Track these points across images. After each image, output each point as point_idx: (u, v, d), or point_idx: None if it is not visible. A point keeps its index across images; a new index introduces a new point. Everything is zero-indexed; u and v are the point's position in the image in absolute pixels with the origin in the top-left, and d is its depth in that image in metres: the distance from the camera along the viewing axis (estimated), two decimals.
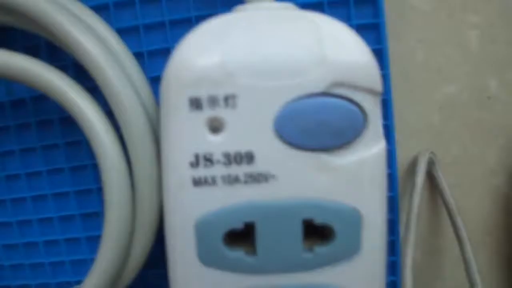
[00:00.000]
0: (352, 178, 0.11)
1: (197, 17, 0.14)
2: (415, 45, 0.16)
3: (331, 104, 0.10)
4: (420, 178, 0.15)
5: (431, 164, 0.16)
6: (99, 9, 0.14)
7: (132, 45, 0.14)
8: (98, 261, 0.12)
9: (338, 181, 0.11)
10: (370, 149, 0.11)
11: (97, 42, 0.12)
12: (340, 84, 0.10)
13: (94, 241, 0.15)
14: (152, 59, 0.14)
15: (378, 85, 0.11)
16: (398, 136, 0.15)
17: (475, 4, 0.16)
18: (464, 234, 0.15)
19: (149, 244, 0.12)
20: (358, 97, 0.10)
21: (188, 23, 0.14)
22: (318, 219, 0.11)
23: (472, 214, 0.17)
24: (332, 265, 0.11)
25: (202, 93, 0.10)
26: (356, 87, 0.10)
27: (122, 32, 0.14)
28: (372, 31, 0.14)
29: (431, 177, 0.16)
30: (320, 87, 0.10)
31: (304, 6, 0.13)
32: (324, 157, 0.11)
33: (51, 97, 0.12)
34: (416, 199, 0.15)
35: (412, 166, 0.16)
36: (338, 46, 0.10)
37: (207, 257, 0.11)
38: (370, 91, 0.11)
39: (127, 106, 0.12)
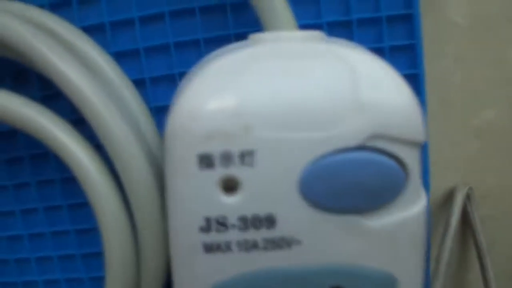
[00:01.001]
0: (388, 242, 0.09)
1: (205, 40, 0.12)
2: (452, 65, 0.14)
3: (367, 160, 0.09)
4: (455, 217, 0.13)
5: (466, 199, 0.14)
6: (94, 30, 0.12)
7: (131, 72, 0.12)
8: None
9: (372, 245, 0.09)
10: (410, 209, 0.09)
11: (85, 70, 0.10)
12: (379, 137, 0.09)
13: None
14: (155, 87, 0.12)
15: (421, 135, 0.09)
16: (432, 166, 0.14)
17: None
18: (491, 275, 0.14)
19: None
20: (398, 150, 0.09)
21: (195, 46, 0.12)
22: (349, 286, 0.09)
23: (504, 249, 0.15)
24: None
25: (214, 149, 0.09)
26: (396, 139, 0.09)
27: (120, 57, 0.12)
28: (406, 53, 0.12)
29: (465, 212, 0.14)
30: (355, 140, 0.09)
31: (331, 25, 0.12)
32: (356, 220, 0.09)
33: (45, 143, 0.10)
34: (449, 240, 0.13)
35: (448, 199, 0.14)
36: (377, 91, 0.09)
37: None
38: (412, 143, 0.09)
39: (125, 152, 0.10)
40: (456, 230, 0.15)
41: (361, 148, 0.09)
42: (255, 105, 0.09)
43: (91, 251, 0.13)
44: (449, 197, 0.14)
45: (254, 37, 0.10)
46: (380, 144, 0.09)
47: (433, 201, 0.14)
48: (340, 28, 0.12)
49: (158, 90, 0.12)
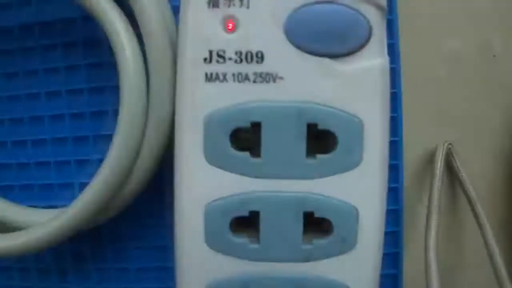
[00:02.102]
0: (355, 86, 0.11)
1: None
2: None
3: (339, 11, 0.11)
4: (439, 166, 0.15)
5: (449, 155, 0.16)
6: None
7: None
8: (110, 154, 0.12)
9: (342, 87, 0.11)
10: (373, 61, 0.11)
11: None
12: None
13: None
14: None
15: (383, 0, 0.11)
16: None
17: None
18: (485, 220, 0.15)
19: (161, 145, 0.13)
20: (364, 8, 0.11)
21: None
22: (322, 124, 0.11)
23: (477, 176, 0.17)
24: (334, 174, 0.12)
25: None
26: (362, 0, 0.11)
27: None
28: None
29: (450, 168, 0.16)
30: None
31: None
32: (329, 63, 0.11)
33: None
34: (436, 185, 0.15)
35: (431, 156, 0.16)
36: None
37: (213, 156, 0.12)
38: (375, 5, 0.11)
39: (151, 16, 0.12)
40: (445, 187, 0.17)
41: (334, 1, 0.11)
42: None
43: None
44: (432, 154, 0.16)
45: None
46: (349, 1, 0.11)
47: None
48: None
49: None
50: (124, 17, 0.13)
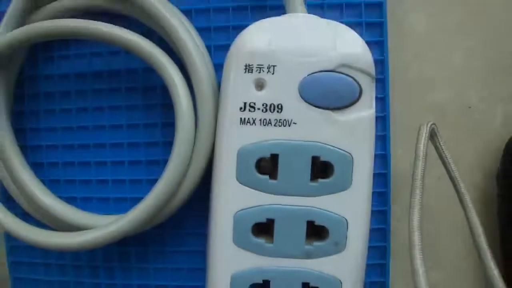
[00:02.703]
0: (348, 131, 0.16)
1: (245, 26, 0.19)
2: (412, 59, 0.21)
3: (337, 77, 0.15)
4: (423, 144, 0.17)
5: (433, 135, 0.18)
6: (184, 12, 0.20)
7: (204, 40, 0.19)
8: (164, 176, 0.17)
9: (338, 131, 0.16)
10: (362, 113, 0.16)
11: (188, 34, 0.18)
12: (345, 66, 0.15)
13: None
14: (217, 52, 0.20)
15: (371, 69, 0.16)
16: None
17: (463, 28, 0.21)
18: (467, 198, 0.17)
19: (201, 170, 0.17)
20: (356, 75, 0.16)
21: (239, 29, 0.19)
22: (323, 157, 0.16)
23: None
24: (330, 194, 0.16)
25: (254, 62, 0.16)
26: (356, 69, 0.16)
27: (199, 30, 0.19)
28: (378, 46, 0.19)
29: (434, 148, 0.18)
30: (331, 66, 0.15)
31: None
32: (330, 114, 0.16)
33: (152, 65, 0.18)
34: (420, 165, 0.16)
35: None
36: (346, 41, 0.16)
37: (243, 177, 0.16)
38: (365, 72, 0.16)
39: (201, 75, 0.17)
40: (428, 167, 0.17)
41: (335, 71, 0.15)
42: (281, 42, 0.16)
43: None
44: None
45: (284, 15, 0.17)
46: (346, 70, 0.16)
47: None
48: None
49: (218, 53, 0.20)
50: (180, 73, 0.17)
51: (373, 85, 0.16)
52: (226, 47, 0.19)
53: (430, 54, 0.21)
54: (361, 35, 0.19)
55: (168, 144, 0.20)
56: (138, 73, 0.20)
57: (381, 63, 0.19)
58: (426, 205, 0.17)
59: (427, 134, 0.17)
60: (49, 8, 0.19)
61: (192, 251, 0.20)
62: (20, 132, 0.21)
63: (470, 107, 0.21)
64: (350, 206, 0.16)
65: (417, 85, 0.21)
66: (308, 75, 0.16)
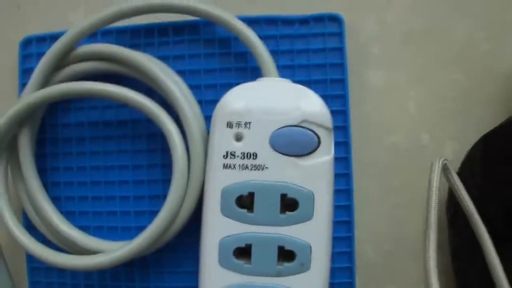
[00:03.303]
0: (310, 173, 0.20)
1: (230, 84, 0.24)
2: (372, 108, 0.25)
3: (300, 131, 0.20)
4: (436, 177, 0.18)
5: (445, 169, 0.20)
6: (179, 73, 0.24)
7: (196, 95, 0.24)
8: (167, 203, 0.21)
9: (302, 174, 0.20)
10: (321, 159, 0.20)
11: (181, 93, 0.22)
12: (306, 121, 0.20)
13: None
14: (207, 105, 0.24)
15: (328, 123, 0.20)
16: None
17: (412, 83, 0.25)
18: (485, 235, 0.18)
19: (195, 203, 0.21)
20: (316, 129, 0.20)
21: (226, 87, 0.24)
22: (290, 194, 0.20)
23: None
24: (296, 224, 0.20)
25: (234, 120, 0.20)
26: (315, 124, 0.20)
27: (192, 87, 0.24)
28: (341, 99, 0.24)
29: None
30: (295, 121, 0.20)
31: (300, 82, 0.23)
32: (295, 160, 0.20)
33: (152, 119, 0.22)
34: (433, 199, 0.18)
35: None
36: (308, 101, 0.20)
37: (226, 211, 0.20)
38: (323, 126, 0.20)
39: (192, 127, 0.21)
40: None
41: (298, 125, 0.20)
42: (255, 103, 0.20)
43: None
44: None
45: (260, 79, 0.21)
46: (307, 125, 0.20)
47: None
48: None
49: (208, 107, 0.24)
50: (175, 125, 0.21)
51: (331, 135, 0.20)
52: (214, 102, 0.23)
53: (387, 104, 0.25)
54: (326, 90, 0.23)
55: (167, 182, 0.24)
56: (142, 123, 0.24)
57: (343, 113, 0.23)
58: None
59: (439, 169, 0.19)
60: (68, 70, 0.23)
61: (187, 271, 0.24)
62: (42, 171, 0.25)
63: (423, 146, 0.25)
64: (313, 233, 0.20)
65: (376, 130, 0.25)
66: (277, 129, 0.20)
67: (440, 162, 0.19)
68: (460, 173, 0.23)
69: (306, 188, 0.20)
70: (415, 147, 0.25)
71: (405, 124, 0.25)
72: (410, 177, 0.25)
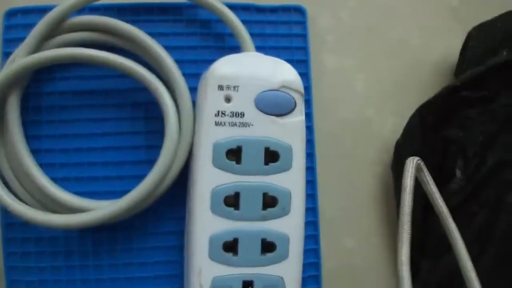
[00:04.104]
0: (289, 130, 0.23)
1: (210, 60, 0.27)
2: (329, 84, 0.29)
3: (280, 94, 0.23)
4: (409, 178, 0.20)
5: (419, 170, 0.22)
6: (167, 49, 0.26)
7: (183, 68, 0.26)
8: (159, 160, 0.23)
9: (282, 130, 0.23)
10: (296, 118, 0.23)
11: (171, 60, 0.24)
12: (284, 86, 0.23)
13: None
14: (189, 78, 0.26)
15: (301, 89, 0.24)
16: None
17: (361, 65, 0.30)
18: (457, 235, 0.19)
19: (185, 159, 0.24)
20: (292, 93, 0.23)
21: (206, 63, 0.26)
22: (272, 148, 0.23)
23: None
24: (278, 173, 0.23)
25: (224, 83, 0.23)
26: (291, 89, 0.23)
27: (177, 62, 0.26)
28: (303, 77, 0.28)
29: (418, 182, 0.22)
30: (276, 86, 0.23)
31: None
32: (276, 119, 0.23)
33: (145, 84, 0.24)
34: (407, 199, 0.19)
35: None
36: (285, 71, 0.23)
37: (217, 163, 0.22)
38: (297, 92, 0.23)
39: (183, 89, 0.24)
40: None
41: (278, 90, 0.23)
42: (242, 70, 0.23)
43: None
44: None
45: (241, 53, 0.25)
46: (285, 90, 0.23)
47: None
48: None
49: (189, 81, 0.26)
50: (168, 92, 0.24)
51: (303, 100, 0.24)
52: (196, 76, 0.26)
53: (339, 84, 0.30)
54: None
55: (151, 148, 0.26)
56: (126, 92, 0.26)
57: (306, 89, 0.28)
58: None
59: (413, 169, 0.21)
60: (59, 39, 0.25)
61: (170, 232, 0.26)
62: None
63: (368, 119, 0.30)
64: (292, 181, 0.23)
65: (331, 104, 0.30)
66: (261, 92, 0.23)
67: (414, 162, 0.20)
68: (401, 141, 0.28)
69: (285, 143, 0.23)
70: (362, 120, 0.30)
71: (354, 100, 0.30)
72: (358, 144, 0.29)
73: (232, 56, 0.24)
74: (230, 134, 0.23)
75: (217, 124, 0.23)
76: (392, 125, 0.30)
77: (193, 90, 0.25)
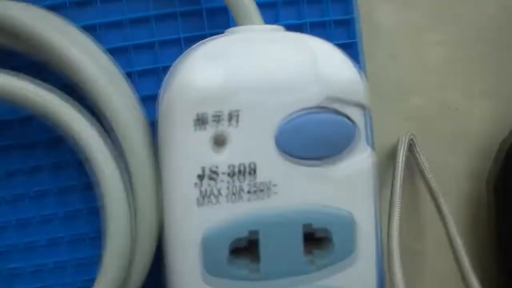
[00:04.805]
0: (345, 185, 0.12)
1: (186, 38, 0.14)
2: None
3: (324, 117, 0.11)
4: (401, 157, 0.16)
5: (412, 145, 0.17)
6: (87, 30, 0.14)
7: (122, 65, 0.14)
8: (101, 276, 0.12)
9: (333, 188, 0.12)
10: (359, 157, 0.12)
11: (95, 62, 0.12)
12: (332, 99, 0.11)
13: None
14: (142, 79, 0.14)
15: (363, 99, 0.12)
16: None
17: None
18: (446, 210, 0.16)
19: (148, 264, 0.12)
20: (350, 111, 0.12)
21: (177, 44, 0.14)
22: (316, 224, 0.12)
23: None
24: (330, 268, 0.12)
25: (208, 111, 0.11)
26: (346, 101, 0.11)
27: (112, 53, 0.14)
28: (348, 50, 0.15)
29: (412, 160, 0.17)
30: (314, 102, 0.11)
31: (288, 27, 0.14)
32: (319, 168, 0.11)
33: (48, 118, 0.12)
34: (398, 176, 0.16)
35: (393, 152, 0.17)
36: (330, 66, 0.11)
37: (213, 269, 0.11)
38: (357, 104, 0.12)
39: (126, 123, 0.12)
40: (407, 179, 0.17)
41: (320, 108, 0.11)
42: (239, 76, 0.11)
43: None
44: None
45: (230, 30, 0.12)
46: (335, 106, 0.11)
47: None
48: (295, 30, 0.15)
49: (144, 82, 0.14)
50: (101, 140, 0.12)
51: (367, 118, 0.12)
52: (152, 72, 0.14)
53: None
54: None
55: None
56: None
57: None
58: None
59: (405, 146, 0.16)
60: None
61: None
62: None
63: (449, 108, 0.18)
64: (357, 280, 0.12)
65: (389, 87, 0.18)
66: (286, 118, 0.11)
67: (407, 137, 0.16)
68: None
69: (341, 209, 0.12)
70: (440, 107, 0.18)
71: (426, 78, 0.18)
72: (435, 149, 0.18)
73: (215, 42, 0.12)
74: (232, 213, 0.11)
75: (203, 198, 0.11)
76: (488, 114, 0.18)
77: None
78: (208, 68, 0.11)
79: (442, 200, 0.16)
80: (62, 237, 0.15)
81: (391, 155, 0.17)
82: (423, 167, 0.16)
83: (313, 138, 0.11)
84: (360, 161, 0.12)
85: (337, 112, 0.11)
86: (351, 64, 0.12)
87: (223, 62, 0.11)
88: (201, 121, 0.11)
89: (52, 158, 0.14)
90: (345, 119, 0.11)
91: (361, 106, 0.12)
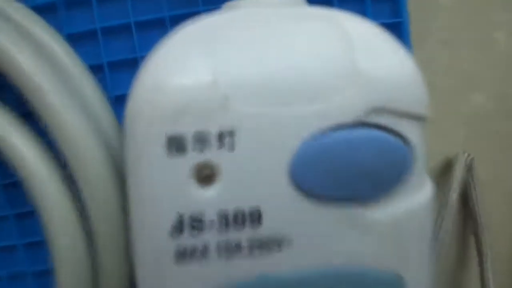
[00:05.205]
0: (393, 237, 0.08)
1: (172, 18, 0.10)
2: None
3: (367, 138, 0.07)
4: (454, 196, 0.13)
5: (470, 169, 0.13)
6: (45, 11, 0.10)
7: (88, 56, 0.10)
8: None
9: (376, 241, 0.08)
10: (416, 196, 0.08)
11: (36, 55, 0.08)
12: (380, 111, 0.07)
13: None
14: (116, 73, 0.11)
15: (425, 108, 0.08)
16: None
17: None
18: (486, 249, 0.13)
19: None
20: (402, 127, 0.08)
21: (160, 26, 0.11)
22: None
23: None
24: None
25: (186, 129, 0.07)
26: (400, 114, 0.08)
27: (75, 39, 0.10)
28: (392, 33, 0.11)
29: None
30: (352, 115, 0.07)
31: (311, 1, 0.11)
32: (357, 212, 0.08)
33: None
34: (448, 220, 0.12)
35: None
36: (375, 59, 0.07)
37: None
38: (416, 117, 0.08)
39: (79, 144, 0.08)
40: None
41: (360, 124, 0.07)
42: (234, 74, 0.07)
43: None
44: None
45: (229, 4, 0.08)
46: (382, 119, 0.07)
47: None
48: (322, 4, 0.11)
49: (118, 77, 0.11)
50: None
51: (424, 133, 0.08)
52: (129, 64, 0.10)
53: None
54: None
55: None
56: None
57: None
58: None
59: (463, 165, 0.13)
60: None
61: None
62: None
63: None
64: None
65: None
66: (307, 139, 0.07)
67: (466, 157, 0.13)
68: None
69: (387, 271, 0.08)
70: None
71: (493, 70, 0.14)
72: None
73: (209, 20, 0.08)
74: (222, 278, 0.08)
75: (181, 255, 0.08)
76: None
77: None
78: (190, 63, 0.07)
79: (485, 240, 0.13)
80: None
81: (439, 173, 0.14)
82: (478, 217, 0.13)
83: (347, 170, 0.07)
84: (416, 200, 0.08)
85: (385, 129, 0.08)
86: (406, 56, 0.08)
87: (212, 54, 0.07)
88: (176, 144, 0.07)
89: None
90: (398, 140, 0.08)
91: (420, 119, 0.08)
